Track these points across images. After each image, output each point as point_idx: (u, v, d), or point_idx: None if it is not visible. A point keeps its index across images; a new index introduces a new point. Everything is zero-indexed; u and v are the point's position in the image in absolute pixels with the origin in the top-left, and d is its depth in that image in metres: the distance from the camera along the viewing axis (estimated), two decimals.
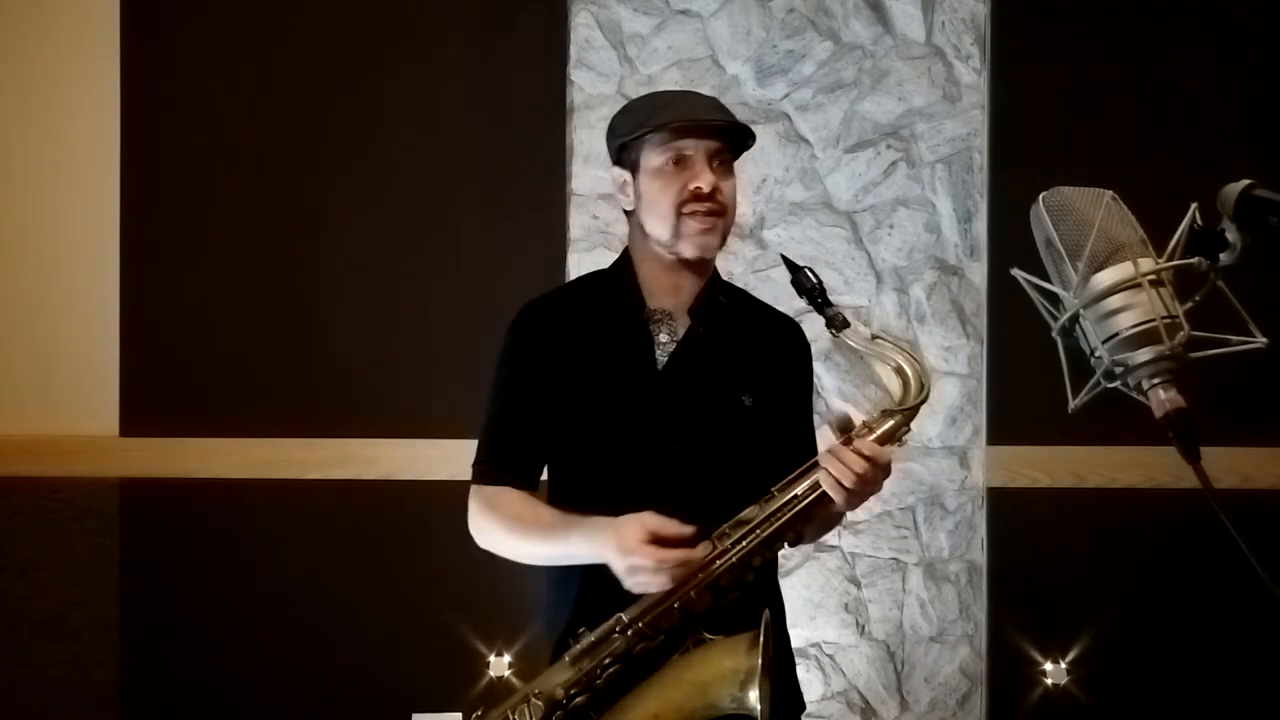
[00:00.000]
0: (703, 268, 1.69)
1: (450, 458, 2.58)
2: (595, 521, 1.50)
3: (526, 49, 2.75)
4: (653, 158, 1.63)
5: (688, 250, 1.63)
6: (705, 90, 2.74)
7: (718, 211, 1.61)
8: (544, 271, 2.59)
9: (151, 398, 2.71)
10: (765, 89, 2.77)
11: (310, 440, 2.68)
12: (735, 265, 2.71)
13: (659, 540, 1.43)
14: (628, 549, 1.43)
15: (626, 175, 1.67)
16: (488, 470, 1.68)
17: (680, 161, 1.61)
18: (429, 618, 2.64)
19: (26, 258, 2.75)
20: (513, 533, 1.62)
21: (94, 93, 2.72)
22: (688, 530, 1.45)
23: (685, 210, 1.60)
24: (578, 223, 2.73)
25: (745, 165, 2.74)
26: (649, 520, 1.44)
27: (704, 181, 1.60)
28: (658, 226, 1.63)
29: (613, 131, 1.69)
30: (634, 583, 1.45)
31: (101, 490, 2.69)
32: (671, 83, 2.72)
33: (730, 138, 1.66)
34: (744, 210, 2.76)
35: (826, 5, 2.78)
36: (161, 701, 2.69)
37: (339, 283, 2.72)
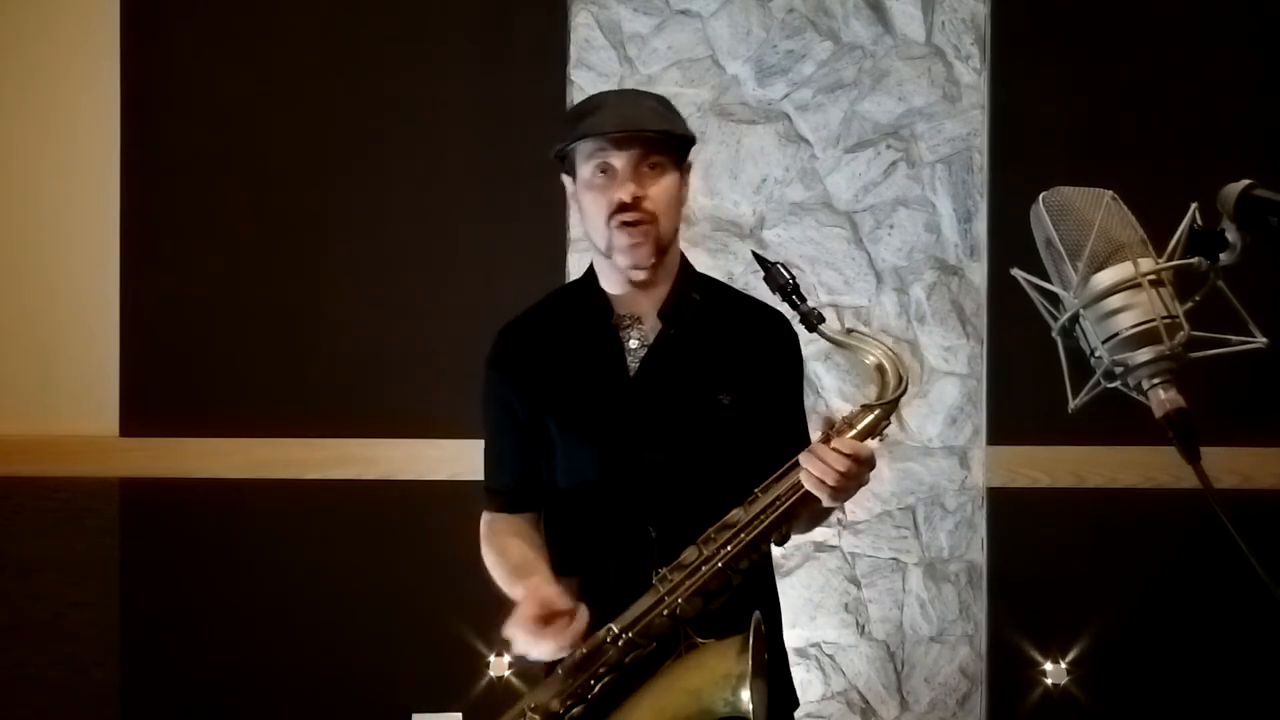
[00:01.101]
0: (663, 269, 1.65)
1: (450, 458, 2.59)
2: (527, 582, 1.52)
3: (526, 49, 2.75)
4: (583, 169, 1.61)
5: (621, 263, 1.60)
6: (705, 90, 2.75)
7: (645, 220, 1.57)
8: (544, 271, 2.59)
9: (151, 398, 2.71)
10: (765, 89, 2.77)
11: (310, 440, 2.69)
12: (735, 265, 2.72)
13: (548, 614, 1.45)
14: (512, 629, 1.47)
15: (571, 184, 1.65)
16: (491, 497, 1.73)
17: (607, 171, 1.58)
18: (429, 618, 2.63)
19: (26, 258, 2.75)
20: (493, 567, 1.68)
21: (94, 93, 2.72)
22: (570, 605, 1.46)
23: (613, 223, 1.58)
24: (578, 223, 2.73)
25: (745, 165, 2.78)
26: (536, 598, 1.46)
27: (625, 192, 1.56)
28: (596, 238, 1.62)
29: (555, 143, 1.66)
30: (520, 651, 1.49)
31: (101, 490, 2.70)
32: (672, 83, 2.72)
33: (661, 140, 1.59)
34: (744, 210, 2.76)
35: (826, 5, 2.78)
36: (161, 701, 2.69)
37: (339, 283, 2.72)
